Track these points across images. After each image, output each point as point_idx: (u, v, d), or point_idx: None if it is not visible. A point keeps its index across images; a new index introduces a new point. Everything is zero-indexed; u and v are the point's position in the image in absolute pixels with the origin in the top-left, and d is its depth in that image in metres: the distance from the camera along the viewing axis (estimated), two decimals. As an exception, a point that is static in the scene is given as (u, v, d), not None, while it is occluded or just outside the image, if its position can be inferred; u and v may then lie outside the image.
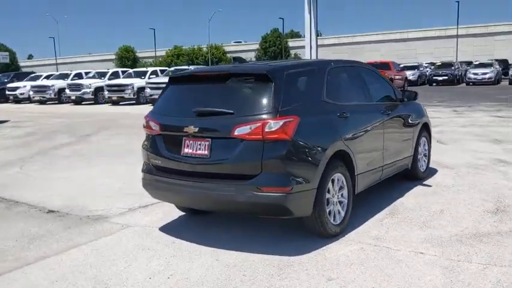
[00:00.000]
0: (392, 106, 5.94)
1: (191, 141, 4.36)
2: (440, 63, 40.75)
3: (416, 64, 40.60)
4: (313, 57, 36.73)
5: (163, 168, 4.58)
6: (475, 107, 17.92)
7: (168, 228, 5.02)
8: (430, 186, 6.42)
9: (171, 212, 5.47)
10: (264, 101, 4.18)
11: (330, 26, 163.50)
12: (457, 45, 59.09)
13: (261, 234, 4.75)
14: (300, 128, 4.12)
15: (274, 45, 72.17)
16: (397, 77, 29.70)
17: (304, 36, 37.62)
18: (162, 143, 4.59)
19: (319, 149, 4.34)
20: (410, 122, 6.35)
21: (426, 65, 44.17)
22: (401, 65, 36.50)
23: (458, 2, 57.34)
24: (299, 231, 4.67)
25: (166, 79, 6.25)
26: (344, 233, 4.63)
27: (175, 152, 4.48)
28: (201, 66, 30.15)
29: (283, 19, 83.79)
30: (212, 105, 4.37)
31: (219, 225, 5.09)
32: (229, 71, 4.56)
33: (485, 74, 33.98)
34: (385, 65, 29.92)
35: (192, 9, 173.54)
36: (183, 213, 5.42)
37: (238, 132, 4.09)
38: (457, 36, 60.22)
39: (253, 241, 4.55)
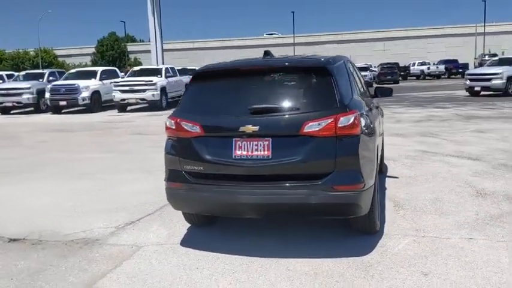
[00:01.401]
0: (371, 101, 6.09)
1: (245, 142, 3.90)
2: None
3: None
4: (159, 61, 36.29)
5: (207, 175, 4.03)
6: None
7: (193, 243, 4.43)
8: (397, 177, 6.72)
9: (172, 226, 4.91)
10: (328, 95, 3.93)
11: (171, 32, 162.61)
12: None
13: (299, 238, 4.48)
14: (360, 123, 3.98)
15: (112, 49, 69.54)
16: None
17: (144, 41, 36.85)
18: (204, 146, 4.03)
19: (373, 143, 4.26)
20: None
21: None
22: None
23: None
24: (333, 231, 4.54)
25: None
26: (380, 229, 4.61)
27: (223, 155, 3.96)
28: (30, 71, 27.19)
29: (124, 22, 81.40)
30: (266, 102, 3.98)
31: (243, 232, 4.66)
32: (281, 65, 4.22)
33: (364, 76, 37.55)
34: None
35: (19, 9, 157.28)
36: (189, 224, 4.86)
37: (308, 129, 3.79)
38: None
39: (302, 246, 4.27)
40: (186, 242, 4.49)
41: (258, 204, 3.92)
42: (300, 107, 3.90)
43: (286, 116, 3.89)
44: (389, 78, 41.40)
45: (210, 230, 4.79)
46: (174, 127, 4.16)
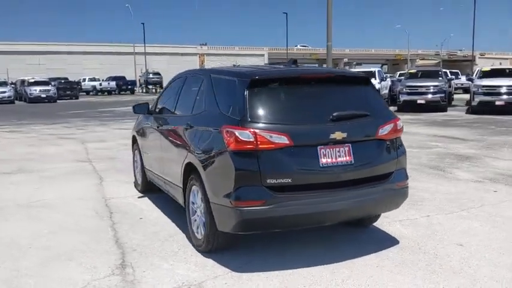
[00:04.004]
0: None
1: (328, 150, 3.89)
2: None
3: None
4: None
5: (294, 187, 3.78)
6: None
7: (248, 267, 4.03)
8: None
9: (205, 257, 4.27)
10: (380, 102, 4.35)
11: None
12: None
13: (342, 241, 4.64)
14: None
15: None
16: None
17: None
18: (290, 157, 3.77)
19: None
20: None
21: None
22: None
23: None
24: (351, 232, 4.92)
25: None
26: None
27: (311, 165, 3.82)
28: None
29: None
30: (340, 108, 4.06)
31: (284, 245, 4.48)
32: (338, 73, 4.31)
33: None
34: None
35: None
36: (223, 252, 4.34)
37: (381, 133, 4.12)
38: None
39: (345, 248, 4.49)
40: (242, 268, 4.02)
41: (346, 209, 3.98)
42: (369, 113, 4.18)
43: (364, 121, 4.10)
44: (70, 94, 39.83)
45: (249, 250, 4.37)
46: (252, 139, 3.73)
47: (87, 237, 4.86)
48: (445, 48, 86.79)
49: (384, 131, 4.14)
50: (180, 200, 4.91)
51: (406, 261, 4.10)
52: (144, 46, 58.77)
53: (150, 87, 53.62)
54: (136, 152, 6.81)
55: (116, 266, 4.12)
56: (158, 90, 54.78)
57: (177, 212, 5.45)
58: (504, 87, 18.17)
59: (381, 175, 4.13)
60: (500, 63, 52.14)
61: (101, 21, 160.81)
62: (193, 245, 4.51)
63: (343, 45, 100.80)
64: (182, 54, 76.86)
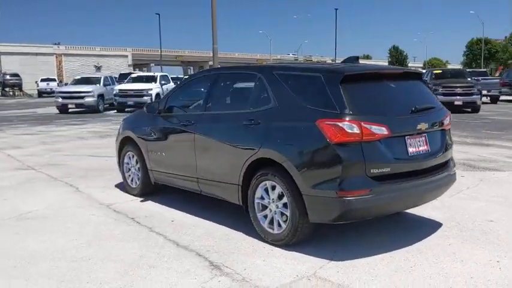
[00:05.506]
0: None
1: (412, 140, 4.23)
2: None
3: None
4: None
5: (390, 175, 4.04)
6: None
7: (344, 259, 4.19)
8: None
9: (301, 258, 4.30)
10: (433, 96, 4.81)
11: None
12: None
13: (395, 231, 4.95)
14: None
15: None
16: None
17: None
18: (387, 147, 4.02)
19: None
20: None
21: None
22: None
23: None
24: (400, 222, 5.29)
25: None
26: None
27: (403, 154, 4.14)
28: None
29: None
30: (410, 101, 4.42)
31: (359, 235, 4.67)
32: (406, 70, 4.64)
33: None
34: None
35: None
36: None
37: (445, 123, 4.61)
38: None
39: (401, 236, 4.86)
40: (336, 257, 4.15)
41: (428, 194, 4.43)
42: (434, 105, 4.60)
43: (434, 113, 4.52)
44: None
45: (324, 241, 4.47)
46: (358, 131, 3.89)
47: (139, 244, 4.57)
48: (301, 54, 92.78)
49: (446, 121, 4.62)
50: (233, 198, 4.85)
51: (465, 237, 4.59)
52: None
53: (7, 89, 48.80)
54: (130, 154, 6.43)
55: (209, 268, 3.97)
56: (17, 93, 50.05)
57: (204, 211, 5.47)
58: (459, 88, 19.47)
59: (445, 161, 4.63)
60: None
61: None
62: (264, 241, 4.49)
63: (208, 48, 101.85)
64: (37, 54, 70.91)
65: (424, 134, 4.35)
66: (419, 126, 4.25)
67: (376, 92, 4.37)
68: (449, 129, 4.77)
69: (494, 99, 26.48)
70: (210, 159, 5.08)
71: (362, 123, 3.92)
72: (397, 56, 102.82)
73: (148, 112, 5.95)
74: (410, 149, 4.21)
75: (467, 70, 30.00)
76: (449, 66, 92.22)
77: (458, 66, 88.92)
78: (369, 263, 4.02)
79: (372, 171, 3.95)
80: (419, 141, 4.30)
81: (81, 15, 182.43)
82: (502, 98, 27.33)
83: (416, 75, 4.81)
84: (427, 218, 5.23)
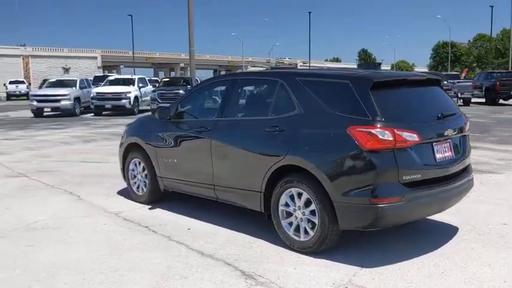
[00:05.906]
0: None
1: (439, 146, 4.28)
2: None
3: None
4: None
5: (421, 182, 4.07)
6: None
7: (379, 267, 4.20)
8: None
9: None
10: (452, 101, 4.88)
11: None
12: None
13: (415, 239, 4.97)
14: None
15: None
16: None
17: None
18: (417, 153, 4.05)
19: None
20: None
21: None
22: None
23: None
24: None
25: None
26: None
27: (431, 160, 4.18)
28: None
29: None
30: (434, 107, 4.48)
31: (386, 245, 4.67)
32: (428, 77, 4.66)
33: None
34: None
35: None
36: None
37: (466, 129, 4.68)
38: None
39: (423, 243, 4.91)
40: (366, 263, 4.15)
41: (454, 199, 4.49)
42: (455, 111, 4.66)
43: (457, 119, 4.58)
44: None
45: (360, 248, 4.47)
46: (391, 138, 3.91)
47: (161, 254, 4.47)
48: (273, 56, 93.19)
49: (467, 127, 4.69)
50: (254, 205, 4.80)
51: (484, 241, 4.67)
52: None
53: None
54: (136, 161, 6.30)
55: (242, 278, 3.92)
56: (-15, 97, 48.48)
57: (219, 219, 5.42)
58: None
59: (466, 167, 4.70)
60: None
61: None
62: (290, 248, 4.47)
63: (179, 50, 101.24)
64: (2, 56, 68.95)
65: (448, 140, 4.41)
66: (446, 133, 4.31)
67: (403, 98, 4.40)
68: (468, 135, 4.84)
69: (467, 102, 27.19)
70: (228, 166, 5.02)
71: (395, 130, 3.94)
72: (365, 59, 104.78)
73: (160, 118, 5.83)
74: (438, 155, 4.25)
75: (443, 73, 30.88)
76: (416, 69, 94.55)
77: (425, 69, 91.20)
78: (400, 269, 4.04)
79: (404, 177, 3.97)
80: (444, 147, 4.35)
81: (47, 16, 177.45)
82: (473, 100, 28.10)
83: (436, 82, 4.86)
84: (443, 222, 5.29)
